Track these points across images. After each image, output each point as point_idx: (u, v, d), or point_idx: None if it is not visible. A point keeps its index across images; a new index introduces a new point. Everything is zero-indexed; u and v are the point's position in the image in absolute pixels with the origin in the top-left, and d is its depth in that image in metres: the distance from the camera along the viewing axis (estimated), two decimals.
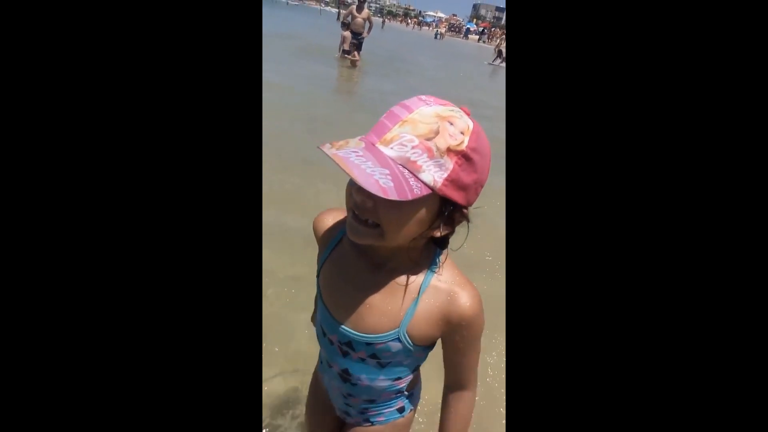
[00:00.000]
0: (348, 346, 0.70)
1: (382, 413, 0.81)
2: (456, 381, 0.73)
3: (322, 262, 0.73)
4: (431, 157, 0.54)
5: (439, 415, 0.76)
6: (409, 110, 0.55)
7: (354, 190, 0.57)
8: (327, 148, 0.54)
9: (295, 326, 1.66)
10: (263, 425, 1.30)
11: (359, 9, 8.61)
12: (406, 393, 0.80)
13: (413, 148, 0.54)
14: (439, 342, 0.72)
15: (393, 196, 0.51)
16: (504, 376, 1.59)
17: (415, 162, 0.54)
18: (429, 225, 0.60)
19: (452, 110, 0.56)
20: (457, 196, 0.58)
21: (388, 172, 0.53)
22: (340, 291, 0.71)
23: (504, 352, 1.70)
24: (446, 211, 0.59)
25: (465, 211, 0.61)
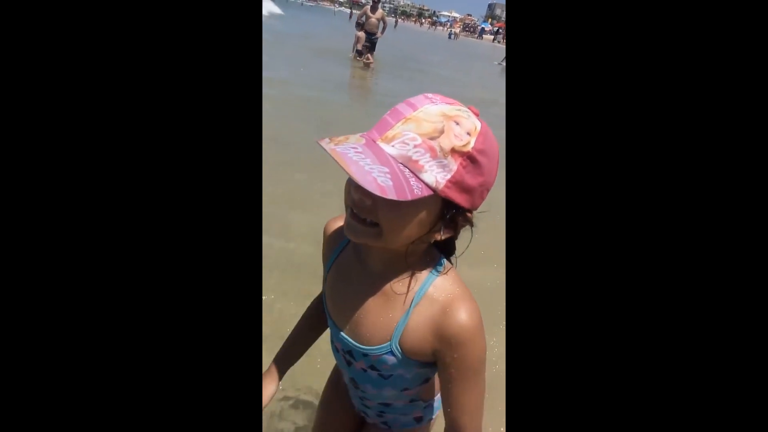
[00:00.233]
0: (350, 355, 0.69)
1: (399, 420, 0.78)
2: (451, 424, 0.63)
3: (328, 267, 0.72)
4: (434, 157, 0.52)
5: None
6: (414, 108, 0.53)
7: (352, 187, 0.55)
8: (325, 143, 0.52)
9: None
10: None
11: (373, 9, 8.63)
12: (423, 402, 0.76)
13: (416, 147, 0.51)
14: None
15: (392, 195, 0.49)
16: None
17: (417, 161, 0.52)
18: (430, 227, 0.57)
19: (459, 110, 0.54)
20: (460, 199, 0.55)
21: (387, 170, 0.50)
22: (341, 297, 0.69)
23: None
24: (448, 213, 0.56)
25: (469, 214, 0.58)
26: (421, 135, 0.51)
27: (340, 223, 0.69)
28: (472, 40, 40.95)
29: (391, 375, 0.67)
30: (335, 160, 0.49)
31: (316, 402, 0.95)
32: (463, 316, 0.59)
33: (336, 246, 0.71)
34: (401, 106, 0.54)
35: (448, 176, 0.53)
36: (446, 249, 0.66)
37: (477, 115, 0.56)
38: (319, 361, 1.32)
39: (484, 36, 47.72)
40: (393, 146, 0.52)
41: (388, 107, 0.56)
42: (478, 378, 0.61)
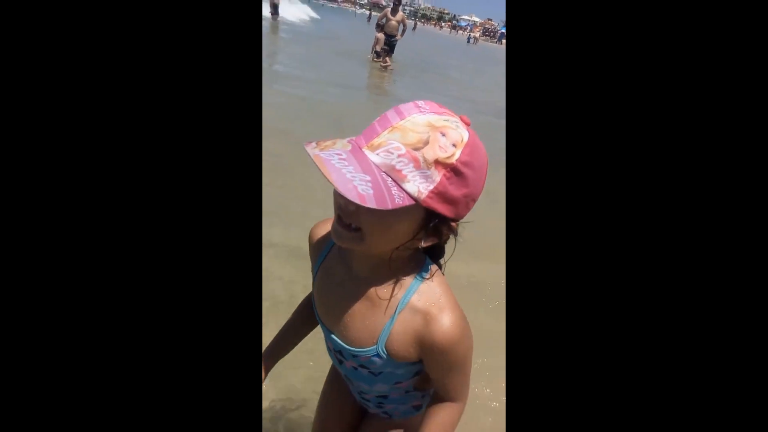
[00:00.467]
0: (340, 354, 0.71)
1: (398, 408, 0.80)
2: (442, 396, 0.68)
3: (315, 269, 0.74)
4: (417, 167, 0.52)
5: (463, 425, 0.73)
6: (402, 116, 0.54)
7: (338, 193, 0.54)
8: (311, 148, 0.53)
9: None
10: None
11: (394, 12, 8.76)
12: (419, 392, 0.77)
13: (399, 156, 0.52)
14: None
15: (371, 204, 0.50)
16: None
17: (400, 171, 0.52)
18: (413, 235, 0.58)
19: (447, 120, 0.54)
20: (443, 209, 0.55)
21: (369, 178, 0.51)
22: (329, 299, 0.71)
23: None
24: (431, 222, 0.57)
25: (453, 224, 0.59)
26: (405, 145, 0.52)
27: (326, 227, 0.70)
28: (492, 44, 40.76)
29: (381, 372, 0.69)
30: (317, 166, 0.50)
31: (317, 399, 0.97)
32: (445, 325, 0.60)
33: (322, 249, 0.72)
34: (390, 113, 0.55)
35: (431, 187, 0.53)
36: (434, 253, 0.67)
37: (468, 125, 0.56)
38: (311, 365, 1.36)
39: (503, 41, 47.46)
40: (378, 154, 0.52)
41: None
42: (463, 367, 0.65)
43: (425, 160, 0.52)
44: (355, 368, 0.71)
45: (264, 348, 0.81)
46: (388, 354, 0.65)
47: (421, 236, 0.58)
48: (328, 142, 0.55)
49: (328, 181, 0.50)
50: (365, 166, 0.52)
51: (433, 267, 0.66)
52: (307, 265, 0.77)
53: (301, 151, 0.52)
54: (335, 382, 0.91)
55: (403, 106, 0.55)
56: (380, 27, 8.71)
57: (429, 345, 0.61)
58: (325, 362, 0.87)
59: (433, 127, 0.53)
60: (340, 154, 0.53)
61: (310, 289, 0.78)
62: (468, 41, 36.47)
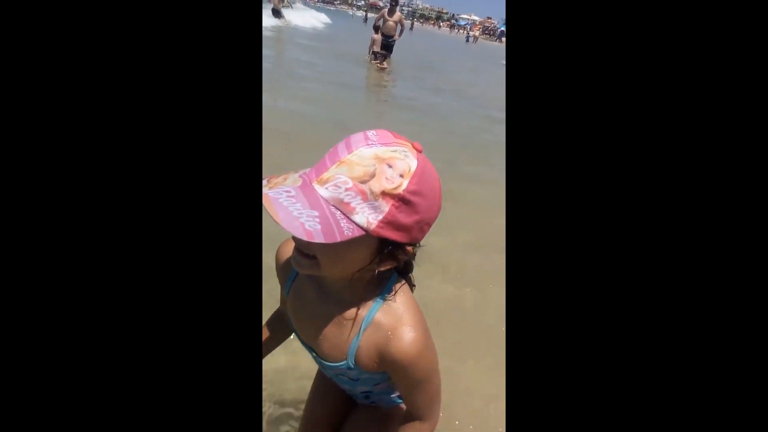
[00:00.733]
0: (319, 363, 0.75)
1: (383, 399, 0.84)
2: (411, 414, 0.71)
3: (287, 290, 0.76)
4: (365, 199, 0.54)
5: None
6: (350, 149, 0.55)
7: None
8: (263, 185, 0.55)
9: None
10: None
11: (391, 12, 8.72)
12: None
13: (347, 190, 0.54)
14: None
15: (319, 239, 0.52)
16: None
17: (348, 204, 0.54)
18: (369, 261, 0.60)
19: (395, 150, 0.55)
20: (395, 236, 0.57)
21: (317, 213, 0.53)
22: (302, 317, 0.73)
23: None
24: (386, 249, 0.59)
25: (409, 248, 0.61)
26: (352, 179, 0.53)
27: (291, 247, 0.71)
28: (491, 43, 40.71)
29: (359, 378, 0.72)
30: (264, 206, 0.51)
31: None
32: (404, 342, 0.62)
33: (291, 271, 0.74)
34: (340, 146, 0.56)
35: (380, 217, 0.54)
36: (403, 270, 0.69)
37: (419, 151, 0.57)
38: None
39: (503, 39, 47.38)
40: (326, 189, 0.54)
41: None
42: (428, 384, 0.68)
43: (372, 192, 0.54)
44: (336, 375, 0.75)
45: None
46: (359, 367, 0.67)
47: (377, 261, 0.60)
48: (279, 179, 0.57)
49: (275, 220, 0.51)
50: (313, 201, 0.54)
51: (398, 284, 0.67)
52: None
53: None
54: (324, 375, 0.94)
55: (353, 138, 0.57)
56: (377, 29, 8.70)
57: (391, 361, 0.64)
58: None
59: (379, 159, 0.54)
60: (289, 191, 0.54)
61: None
62: (467, 40, 36.45)
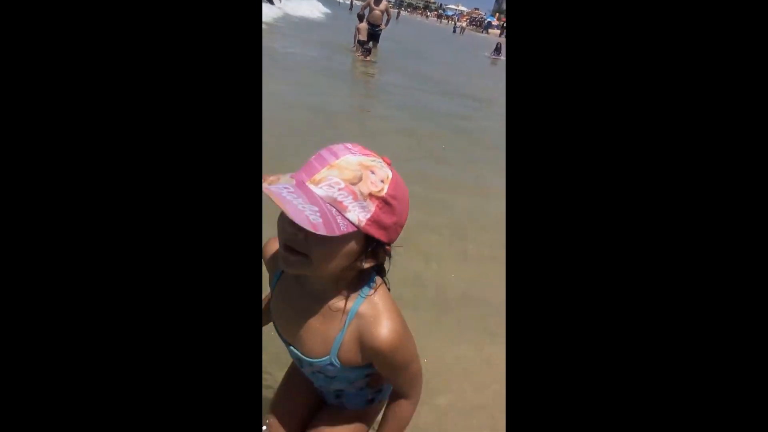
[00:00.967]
0: (298, 361, 0.80)
1: (353, 401, 0.90)
2: (397, 392, 0.80)
3: (273, 286, 0.80)
4: (356, 199, 0.60)
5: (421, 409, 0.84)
6: (336, 156, 0.62)
7: (287, 223, 0.60)
8: (267, 182, 0.59)
9: None
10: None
11: (377, 2, 8.65)
12: (372, 389, 0.87)
13: (340, 190, 0.59)
14: None
15: (322, 231, 0.57)
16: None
17: (341, 202, 0.60)
18: (355, 259, 0.66)
19: (374, 161, 0.63)
20: (379, 234, 0.64)
21: (317, 209, 0.58)
22: (286, 315, 0.78)
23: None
24: (370, 247, 0.66)
25: (387, 248, 0.68)
26: (344, 180, 0.60)
27: (277, 243, 0.74)
28: (478, 34, 40.67)
29: (336, 376, 0.78)
30: (272, 200, 0.56)
31: None
32: (384, 332, 0.69)
33: (277, 269, 0.79)
34: (325, 153, 0.63)
35: (368, 216, 0.61)
36: (378, 269, 0.75)
37: (389, 164, 0.65)
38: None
39: (490, 30, 47.31)
40: (321, 188, 0.59)
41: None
42: (409, 368, 0.75)
43: (361, 193, 0.61)
44: (313, 372, 0.80)
45: None
46: (341, 362, 0.73)
47: (362, 259, 0.67)
48: (273, 177, 0.62)
49: (285, 212, 0.56)
50: (311, 198, 0.59)
51: (378, 280, 0.74)
52: None
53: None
54: (296, 371, 0.96)
55: (335, 147, 0.64)
56: (361, 17, 8.61)
57: (373, 351, 0.70)
58: None
59: (364, 166, 0.62)
60: (288, 188, 0.59)
61: None
62: (454, 31, 36.31)
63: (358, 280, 0.72)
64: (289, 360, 0.93)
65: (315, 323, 0.73)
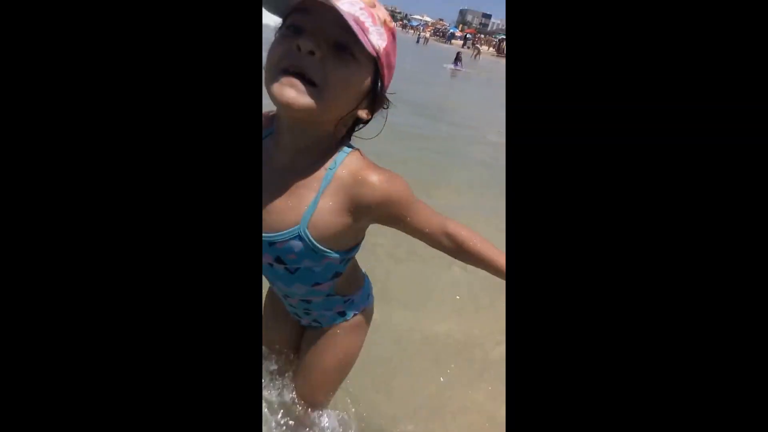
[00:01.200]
0: (265, 244, 0.70)
1: (324, 315, 0.83)
2: (441, 239, 0.72)
3: None
4: (374, 23, 0.58)
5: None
6: None
7: (305, 37, 0.56)
8: None
9: None
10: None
11: None
12: (341, 297, 0.81)
13: (361, 9, 0.57)
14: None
15: (364, 39, 0.55)
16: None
17: (363, 22, 0.57)
18: (357, 102, 0.63)
19: None
20: (385, 72, 0.63)
21: (350, 20, 0.54)
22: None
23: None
24: (376, 88, 0.64)
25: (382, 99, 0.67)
26: (363, 0, 0.58)
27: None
28: (441, 44, 41.43)
29: (298, 268, 0.70)
30: (318, 11, 0.54)
31: None
32: (373, 179, 0.65)
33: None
34: None
35: (384, 44, 0.60)
36: (350, 132, 0.71)
37: None
38: None
39: (453, 41, 48.40)
40: (343, 3, 0.55)
41: None
42: (419, 204, 0.70)
43: (378, 18, 0.60)
44: (271, 264, 0.71)
45: None
46: (311, 235, 0.66)
47: (364, 104, 0.65)
48: None
49: (340, 11, 0.53)
50: (341, 10, 0.55)
51: (354, 149, 0.70)
52: None
53: None
54: (272, 302, 0.94)
55: None
56: None
57: (367, 202, 0.65)
58: None
59: None
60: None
61: None
62: (417, 41, 36.65)
63: (337, 143, 0.68)
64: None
65: (285, 196, 0.67)
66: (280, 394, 0.93)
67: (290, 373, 0.94)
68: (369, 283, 0.90)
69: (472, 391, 1.31)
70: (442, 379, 1.33)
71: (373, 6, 0.59)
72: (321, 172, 0.66)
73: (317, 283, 0.74)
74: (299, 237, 0.66)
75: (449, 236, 0.72)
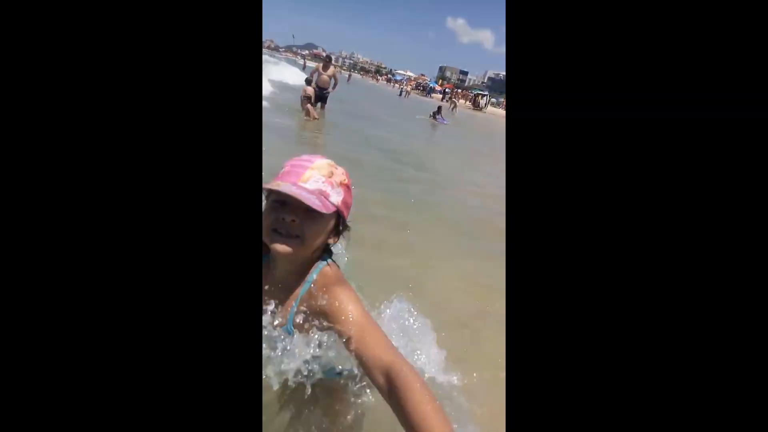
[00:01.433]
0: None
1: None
2: (387, 368, 0.70)
3: None
4: (332, 187, 0.86)
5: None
6: (311, 162, 0.87)
7: (287, 212, 0.81)
8: (276, 185, 0.80)
9: None
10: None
11: (325, 67, 9.31)
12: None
13: (323, 182, 0.85)
14: None
15: (325, 210, 0.80)
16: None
17: (325, 191, 0.84)
18: (328, 236, 0.89)
19: (331, 163, 0.90)
20: (346, 213, 0.90)
21: (315, 197, 0.81)
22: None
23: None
24: (339, 224, 0.91)
25: (346, 226, 0.93)
26: (323, 176, 0.86)
27: None
28: (421, 98, 43.83)
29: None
30: (292, 196, 0.77)
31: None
32: (336, 294, 0.86)
33: None
34: (298, 162, 0.88)
35: (341, 198, 0.88)
36: (327, 251, 0.96)
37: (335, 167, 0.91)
38: None
39: (432, 95, 51.04)
40: (309, 184, 0.83)
41: (332, 157, 0.92)
42: (372, 325, 0.82)
43: (335, 183, 0.88)
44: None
45: None
46: (295, 332, 0.90)
47: (332, 235, 0.92)
48: (273, 184, 0.83)
49: (303, 201, 0.78)
50: (308, 191, 0.82)
51: (328, 262, 0.95)
52: None
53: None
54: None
55: (303, 157, 0.91)
56: (309, 82, 9.00)
57: (326, 313, 0.86)
58: None
59: (331, 165, 0.91)
60: (291, 187, 0.81)
61: None
62: (400, 94, 38.86)
63: (315, 261, 0.93)
64: None
65: (279, 298, 0.91)
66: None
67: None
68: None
69: None
70: None
71: (331, 175, 0.85)
72: (302, 288, 0.90)
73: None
74: (289, 333, 0.90)
75: (387, 374, 0.69)
